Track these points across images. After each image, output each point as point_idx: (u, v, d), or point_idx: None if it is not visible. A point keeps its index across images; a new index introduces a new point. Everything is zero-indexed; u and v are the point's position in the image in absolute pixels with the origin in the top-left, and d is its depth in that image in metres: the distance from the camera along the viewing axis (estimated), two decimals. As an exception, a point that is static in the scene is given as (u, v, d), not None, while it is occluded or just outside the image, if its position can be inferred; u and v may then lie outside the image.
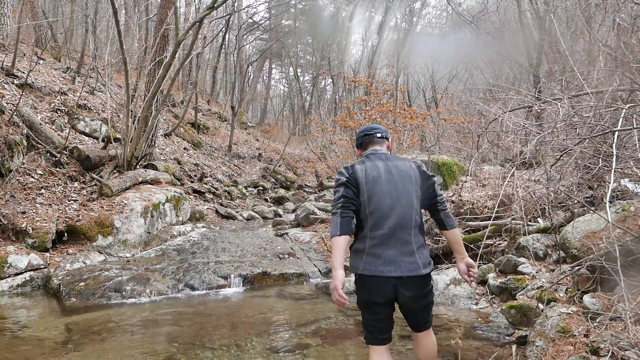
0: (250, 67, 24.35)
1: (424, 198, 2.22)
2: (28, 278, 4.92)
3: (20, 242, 5.22)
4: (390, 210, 2.12)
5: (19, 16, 10.19)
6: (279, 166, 16.07)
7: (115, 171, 7.47)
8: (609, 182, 2.90)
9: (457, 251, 2.32)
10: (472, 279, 2.31)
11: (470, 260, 2.29)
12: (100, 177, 7.04)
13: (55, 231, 5.53)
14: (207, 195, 10.29)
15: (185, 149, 12.87)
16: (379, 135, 2.35)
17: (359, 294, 2.21)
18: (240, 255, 6.19)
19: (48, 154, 6.90)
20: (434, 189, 2.25)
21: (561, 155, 3.71)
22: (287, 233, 7.43)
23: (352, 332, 3.74)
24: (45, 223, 5.48)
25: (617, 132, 3.00)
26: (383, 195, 2.14)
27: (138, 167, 8.00)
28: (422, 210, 2.27)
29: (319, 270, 5.80)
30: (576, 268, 3.38)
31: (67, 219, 5.80)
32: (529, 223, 4.73)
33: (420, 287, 2.15)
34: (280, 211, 10.86)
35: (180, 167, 10.90)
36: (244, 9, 22.48)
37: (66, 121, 8.40)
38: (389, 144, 2.41)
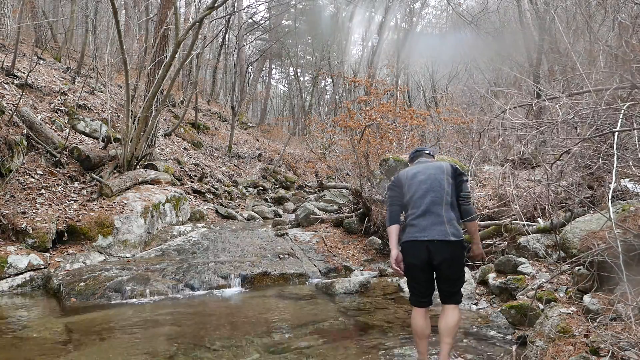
0: (250, 67, 24.35)
1: (455, 189, 2.78)
2: (28, 278, 4.91)
3: (20, 242, 5.21)
4: (425, 193, 2.74)
5: (19, 16, 10.19)
6: (279, 166, 16.07)
7: (115, 171, 7.47)
8: (610, 181, 2.89)
9: (472, 238, 3.00)
10: (475, 258, 3.02)
11: (481, 252, 3.05)
12: (100, 177, 7.04)
13: (55, 231, 5.53)
14: (207, 196, 10.29)
15: (185, 149, 12.87)
16: (427, 152, 3.13)
17: (404, 260, 2.79)
18: (240, 255, 6.19)
19: (48, 154, 6.89)
20: (462, 185, 2.80)
21: (561, 155, 3.71)
22: (287, 233, 7.43)
23: (352, 332, 3.74)
24: (45, 223, 5.48)
25: (616, 133, 2.99)
26: (420, 183, 2.79)
27: (138, 167, 8.00)
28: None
29: (319, 271, 5.80)
30: (577, 268, 3.38)
31: (67, 219, 5.80)
32: (529, 223, 4.73)
33: (450, 252, 2.63)
34: (280, 211, 10.85)
35: (180, 167, 10.90)
36: (244, 9, 22.49)
37: (66, 121, 8.39)
38: (433, 160, 3.06)
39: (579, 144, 3.46)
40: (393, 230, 2.85)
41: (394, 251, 2.79)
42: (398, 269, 2.78)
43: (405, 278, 2.87)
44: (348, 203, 8.28)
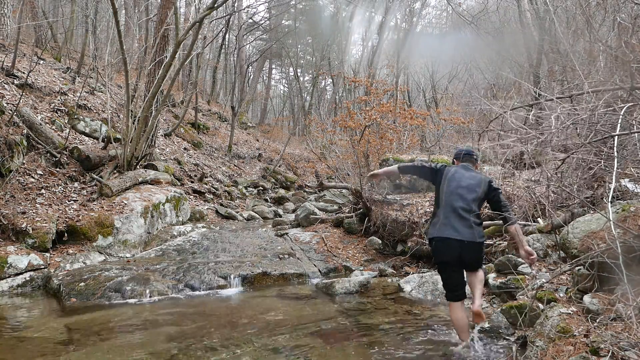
0: (250, 67, 24.35)
1: (492, 202, 3.27)
2: (28, 278, 4.91)
3: (20, 242, 5.21)
4: (460, 198, 3.15)
5: (19, 16, 10.19)
6: (279, 166, 16.07)
7: (115, 171, 7.47)
8: (610, 183, 2.89)
9: (517, 242, 3.20)
10: (531, 262, 3.20)
11: (529, 249, 3.13)
12: (100, 177, 7.04)
13: (55, 231, 5.53)
14: (207, 196, 10.29)
15: (185, 149, 12.87)
16: (475, 157, 3.45)
17: (435, 258, 3.35)
18: (240, 255, 6.19)
19: (48, 154, 6.90)
20: (498, 197, 3.23)
21: (563, 160, 3.72)
22: (287, 233, 7.43)
23: (352, 332, 3.74)
24: (45, 223, 5.48)
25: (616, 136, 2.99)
26: (458, 188, 3.20)
27: (138, 167, 8.00)
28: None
29: (319, 271, 5.80)
30: (577, 268, 3.38)
31: (67, 219, 5.80)
32: (529, 223, 4.73)
33: (475, 251, 3.14)
34: (280, 211, 10.85)
35: (180, 167, 10.90)
36: (244, 9, 22.47)
37: (66, 121, 8.39)
38: (478, 164, 3.49)
39: (580, 149, 3.46)
40: (392, 168, 3.59)
41: (379, 170, 3.70)
42: (373, 178, 3.74)
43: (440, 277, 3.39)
44: (348, 203, 8.28)
